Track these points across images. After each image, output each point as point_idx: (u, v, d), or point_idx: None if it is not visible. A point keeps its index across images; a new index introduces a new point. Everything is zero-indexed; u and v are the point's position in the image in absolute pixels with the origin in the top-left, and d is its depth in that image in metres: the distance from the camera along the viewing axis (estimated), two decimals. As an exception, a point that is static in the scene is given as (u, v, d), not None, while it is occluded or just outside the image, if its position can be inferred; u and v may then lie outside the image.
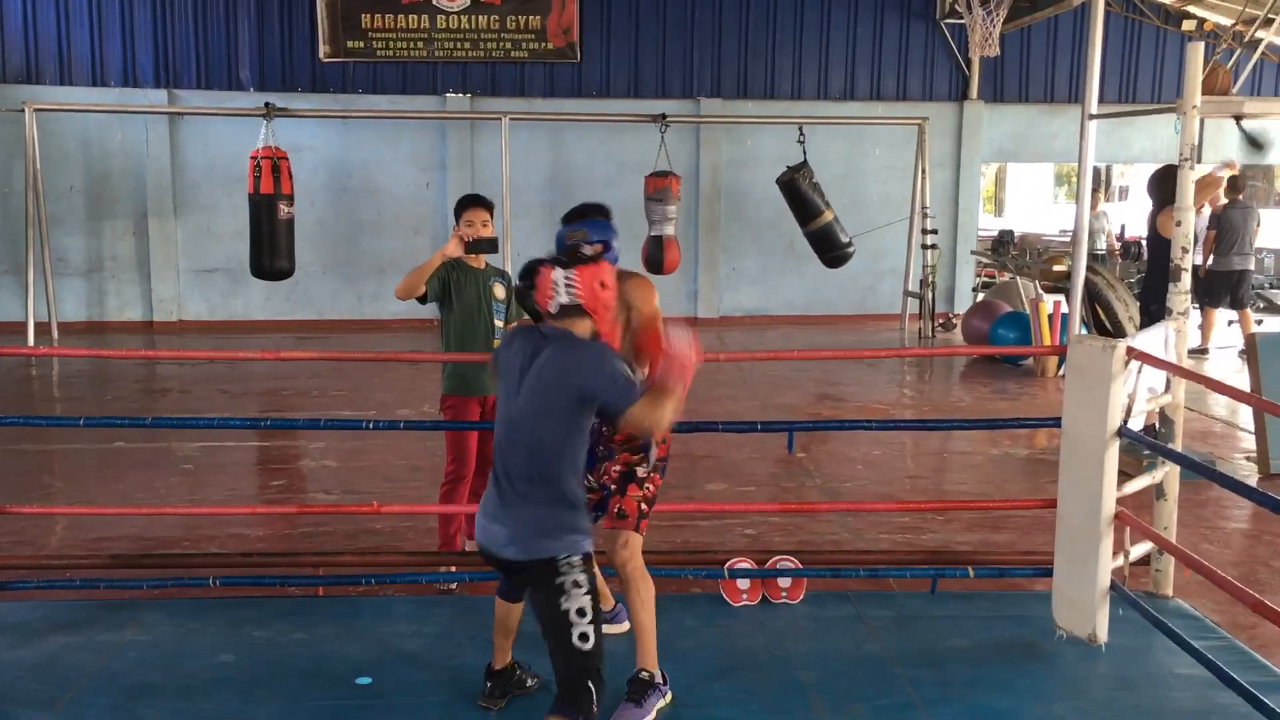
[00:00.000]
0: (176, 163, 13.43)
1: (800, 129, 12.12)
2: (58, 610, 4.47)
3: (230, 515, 5.90)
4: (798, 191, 12.07)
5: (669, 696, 3.68)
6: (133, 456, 7.35)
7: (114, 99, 13.08)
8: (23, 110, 12.05)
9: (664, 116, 12.53)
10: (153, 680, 3.88)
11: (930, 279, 13.16)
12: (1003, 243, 14.66)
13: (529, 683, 3.74)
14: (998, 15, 11.10)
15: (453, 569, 4.82)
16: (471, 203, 4.97)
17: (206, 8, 13.33)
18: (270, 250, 11.08)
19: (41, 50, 13.13)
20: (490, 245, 4.90)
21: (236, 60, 13.45)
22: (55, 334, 12.49)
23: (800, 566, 4.64)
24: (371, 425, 4.77)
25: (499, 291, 4.96)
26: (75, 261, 13.41)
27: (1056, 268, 11.44)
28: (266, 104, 11.85)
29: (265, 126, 11.54)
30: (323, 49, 13.46)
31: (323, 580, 4.70)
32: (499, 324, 4.95)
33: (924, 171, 13.41)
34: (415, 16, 13.52)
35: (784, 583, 4.61)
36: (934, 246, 13.22)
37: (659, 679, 3.65)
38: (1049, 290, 11.80)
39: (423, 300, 4.88)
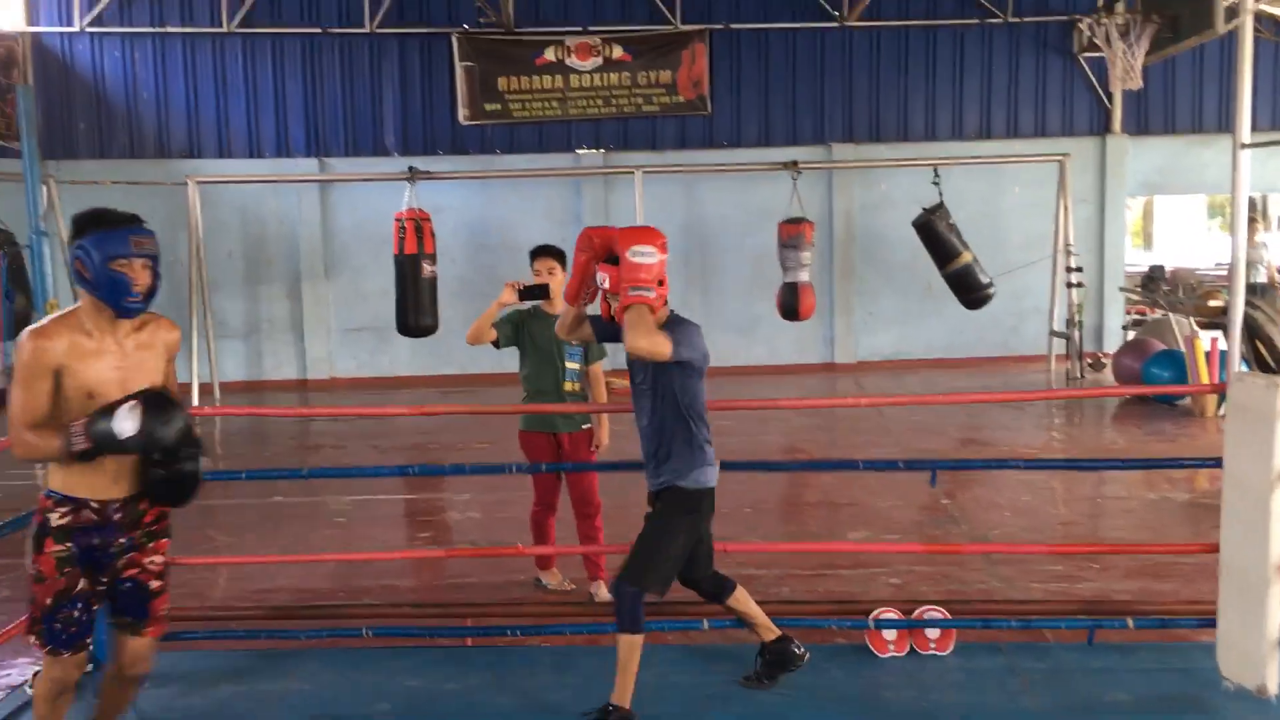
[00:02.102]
0: (327, 227, 14.04)
1: (935, 170, 11.98)
2: (223, 660, 4.67)
3: (383, 565, 6.07)
4: (934, 233, 11.90)
5: None
6: (290, 510, 7.65)
7: (269, 169, 13.78)
8: (186, 183, 12.78)
9: (795, 164, 12.54)
10: (313, 728, 4.01)
11: (1077, 318, 12.78)
12: (1153, 278, 14.12)
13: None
14: (1139, 47, 10.81)
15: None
16: (540, 252, 5.39)
17: (353, 79, 13.97)
18: (415, 308, 11.45)
19: (203, 126, 13.95)
20: (540, 292, 5.25)
21: (381, 127, 14.03)
22: (217, 393, 13.11)
23: (949, 616, 4.52)
24: (514, 469, 4.88)
25: None
26: (234, 324, 14.09)
27: (1212, 302, 10.99)
28: (410, 168, 12.32)
29: (409, 189, 11.99)
30: (462, 112, 13.94)
31: (471, 631, 4.79)
32: (573, 366, 5.26)
33: (1066, 208, 13.08)
34: (549, 77, 13.89)
35: (932, 633, 4.51)
36: (1079, 284, 12.84)
37: None
38: (1204, 326, 11.34)
39: (497, 345, 5.29)
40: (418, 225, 11.30)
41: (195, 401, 12.43)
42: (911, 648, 4.50)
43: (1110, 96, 13.94)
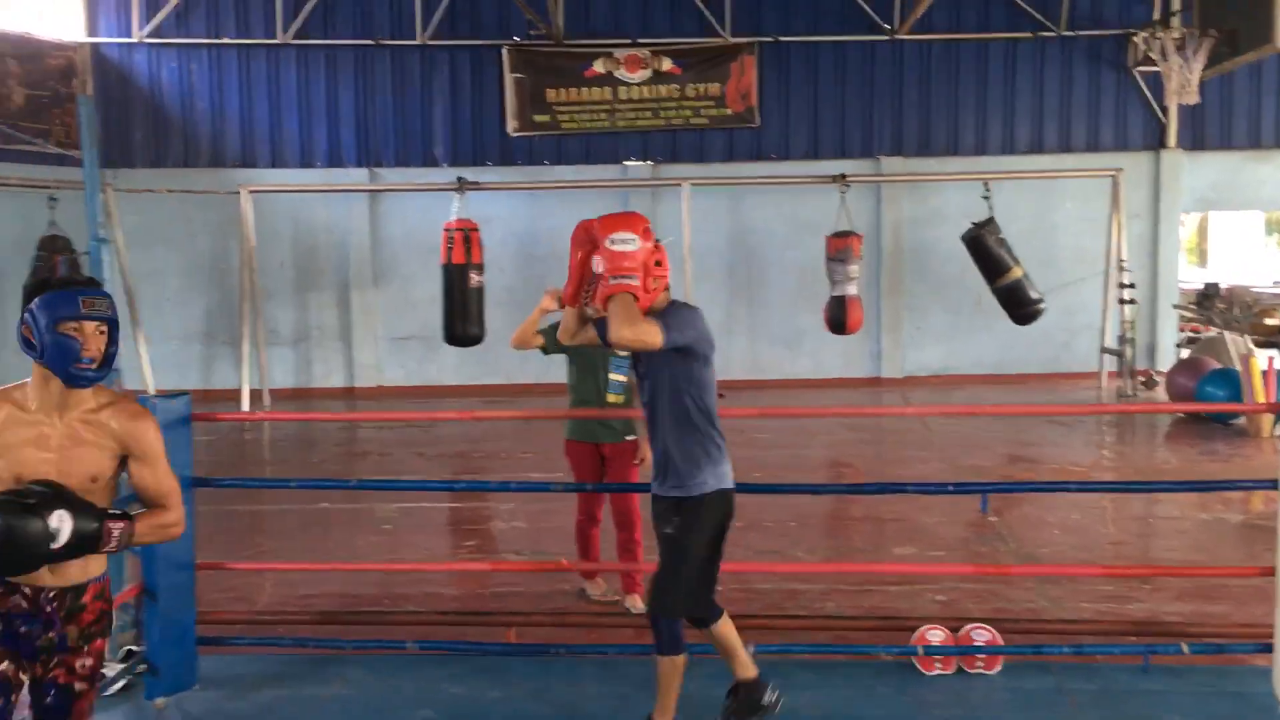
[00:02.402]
0: (376, 236, 14.17)
1: (986, 184, 11.87)
2: (269, 664, 4.72)
3: (427, 573, 6.10)
4: (984, 248, 11.80)
5: None
6: (336, 517, 7.72)
7: (320, 179, 13.95)
8: (239, 192, 12.97)
9: (844, 177, 12.48)
10: (356, 733, 4.04)
11: (1129, 335, 12.59)
12: (1208, 295, 13.90)
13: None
14: (1196, 62, 10.66)
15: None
16: None
17: (404, 91, 14.11)
18: (462, 317, 11.52)
19: (256, 136, 14.15)
20: None
21: (431, 138, 14.15)
22: (267, 400, 13.26)
23: (996, 635, 4.46)
24: (561, 488, 4.88)
25: None
26: (285, 332, 14.25)
27: (1269, 320, 10.82)
28: (459, 179, 12.42)
29: (457, 199, 12.08)
30: (511, 124, 14.03)
31: (516, 650, 4.79)
32: (619, 377, 5.20)
33: (1119, 224, 12.90)
34: (598, 89, 13.96)
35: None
36: (1132, 301, 12.66)
37: None
38: (1260, 345, 11.14)
39: (545, 351, 5.26)
40: (466, 235, 11.38)
41: (245, 406, 12.58)
42: (959, 666, 4.45)
43: (1165, 111, 13.75)
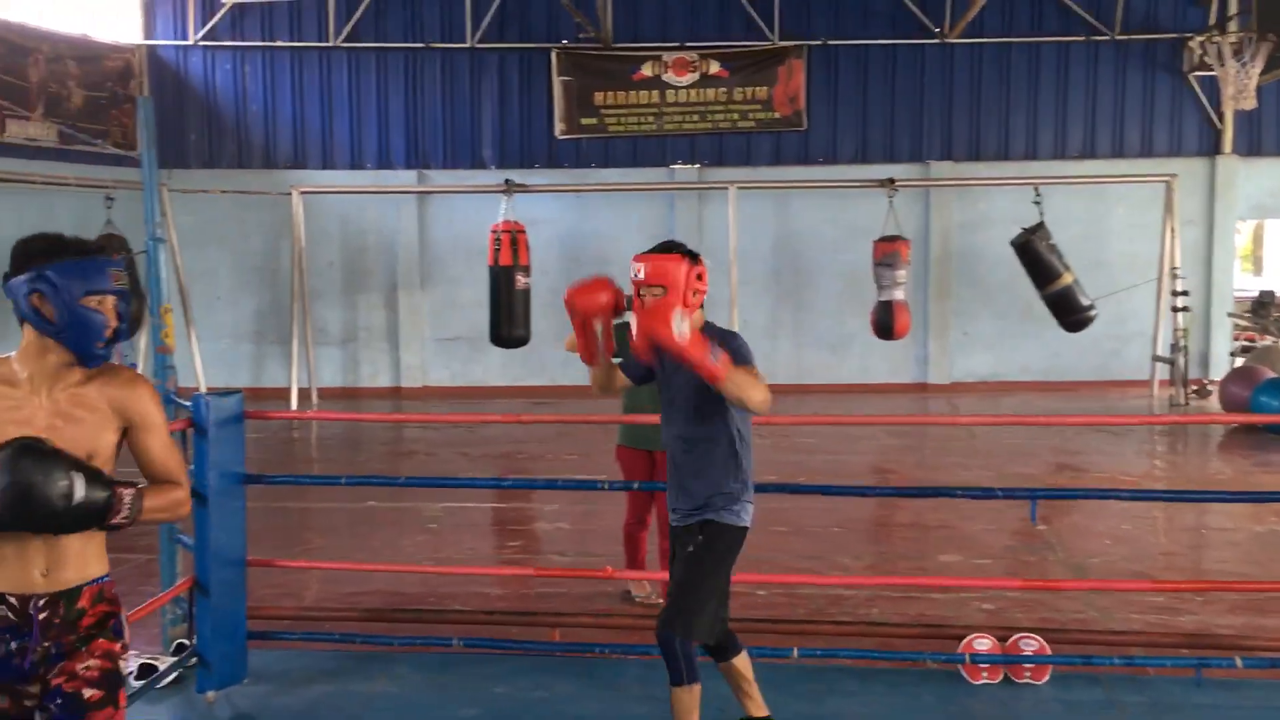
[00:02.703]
0: (424, 238, 14.29)
1: (1036, 189, 11.75)
2: (316, 660, 4.77)
3: (472, 575, 6.14)
4: (1034, 254, 11.68)
5: None
6: (383, 515, 7.78)
7: (369, 180, 14.09)
8: (290, 193, 13.12)
9: (892, 181, 12.41)
10: (402, 730, 4.07)
11: (1182, 343, 12.41)
12: (1263, 304, 13.66)
13: None
14: (1254, 67, 10.50)
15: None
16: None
17: (454, 94, 14.22)
18: (509, 319, 11.58)
19: (308, 137, 14.32)
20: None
21: (480, 141, 14.24)
22: (315, 399, 13.41)
23: (1044, 644, 4.41)
24: (607, 486, 4.89)
25: None
26: (333, 332, 14.40)
27: (1326, 330, 10.59)
28: (507, 181, 12.49)
29: (505, 202, 12.15)
30: (559, 126, 14.09)
31: (560, 646, 4.81)
32: None
33: (1173, 230, 12.72)
34: (646, 92, 13.98)
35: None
36: (1185, 309, 12.48)
37: None
38: (1318, 354, 10.92)
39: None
40: (513, 237, 11.45)
41: (294, 405, 12.72)
42: (1006, 675, 4.40)
43: (1221, 116, 13.54)
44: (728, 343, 3.43)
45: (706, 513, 3.57)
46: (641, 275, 3.49)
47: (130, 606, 3.59)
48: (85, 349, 2.50)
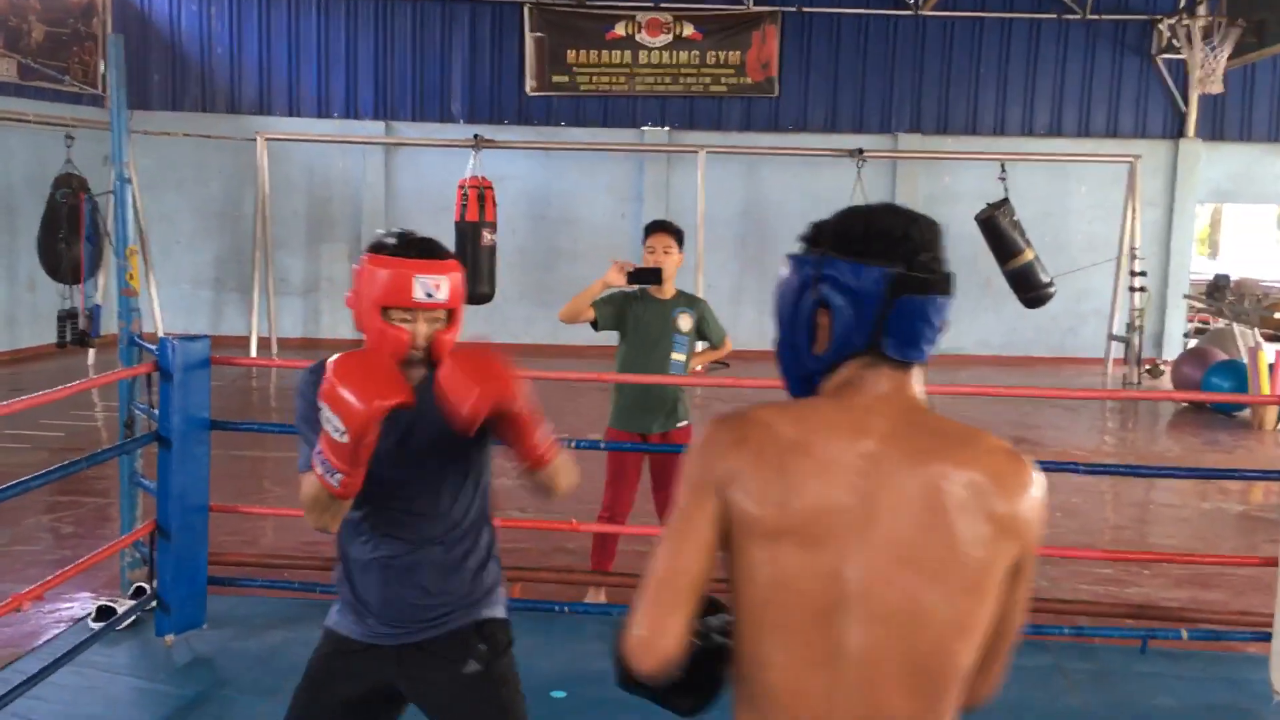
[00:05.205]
0: (390, 190, 14.16)
1: (1002, 166, 11.84)
2: (275, 607, 4.78)
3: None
4: (997, 229, 11.78)
5: None
6: (343, 467, 7.75)
7: (336, 129, 13.92)
8: (255, 139, 12.94)
9: (860, 152, 12.46)
10: (362, 678, 4.09)
11: (1138, 323, 12.60)
12: (1218, 287, 13.87)
13: None
14: (1222, 51, 10.61)
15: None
16: (657, 228, 4.92)
17: (423, 45, 14.05)
18: (473, 275, 11.51)
19: (274, 84, 14.10)
20: (652, 276, 4.72)
21: (449, 94, 14.10)
22: (275, 348, 13.29)
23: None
24: (575, 444, 4.89)
25: (684, 324, 4.81)
26: (295, 281, 14.27)
27: (1278, 314, 10.80)
28: (475, 136, 12.40)
29: (473, 157, 12.06)
30: (529, 83, 13.98)
31: (520, 605, 4.85)
32: (678, 357, 4.78)
33: (1134, 211, 12.88)
34: (618, 52, 13.90)
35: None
36: (1143, 289, 12.66)
37: None
38: (1269, 338, 11.15)
39: (595, 327, 4.82)
40: (480, 193, 11.38)
41: (253, 354, 12.62)
42: (956, 640, 4.49)
43: (1186, 100, 13.70)
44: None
45: (475, 611, 2.51)
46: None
47: (88, 549, 3.59)
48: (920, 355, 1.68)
